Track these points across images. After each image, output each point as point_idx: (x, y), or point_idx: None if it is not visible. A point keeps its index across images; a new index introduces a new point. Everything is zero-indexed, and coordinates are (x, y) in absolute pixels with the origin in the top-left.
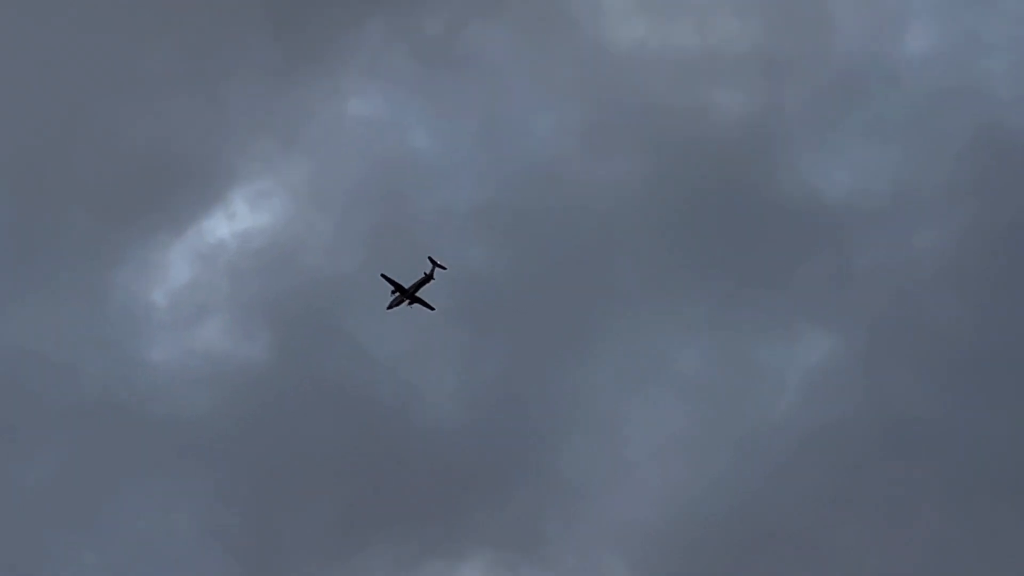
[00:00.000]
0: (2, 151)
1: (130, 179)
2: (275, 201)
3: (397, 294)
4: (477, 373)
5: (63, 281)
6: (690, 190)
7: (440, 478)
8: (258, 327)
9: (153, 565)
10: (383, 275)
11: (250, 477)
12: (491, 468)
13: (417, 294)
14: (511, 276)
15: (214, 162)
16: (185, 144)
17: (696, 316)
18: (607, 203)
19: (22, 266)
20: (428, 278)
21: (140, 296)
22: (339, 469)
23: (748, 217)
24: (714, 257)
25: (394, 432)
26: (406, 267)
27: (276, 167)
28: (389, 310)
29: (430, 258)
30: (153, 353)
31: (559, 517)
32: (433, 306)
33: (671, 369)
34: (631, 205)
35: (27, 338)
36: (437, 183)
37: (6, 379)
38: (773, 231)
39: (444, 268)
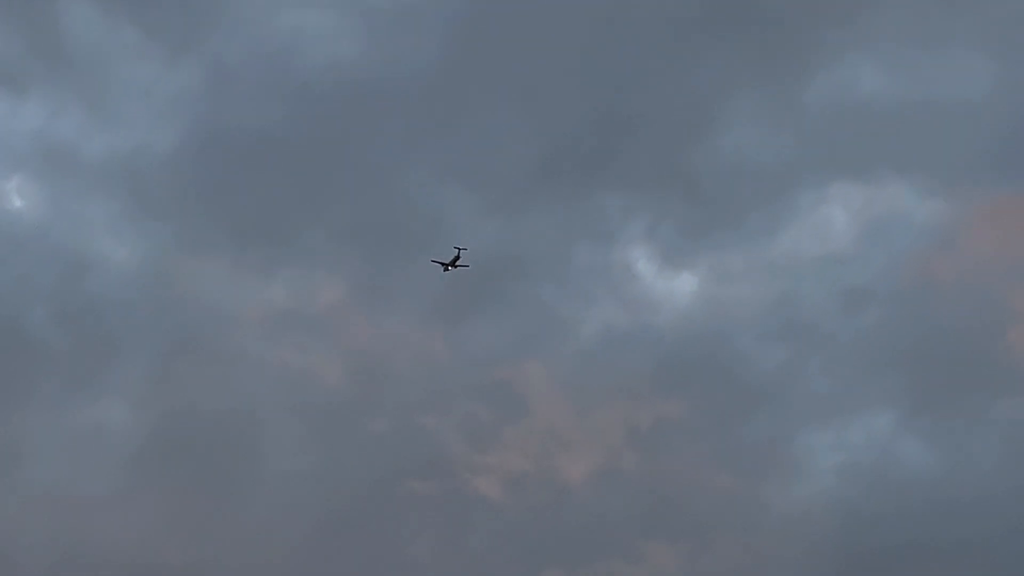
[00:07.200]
0: None
1: None
2: None
3: (443, 266)
4: None
5: None
6: None
7: None
8: None
9: None
10: (432, 260)
11: None
12: None
13: (456, 264)
14: None
15: None
16: None
17: None
18: None
19: None
20: (458, 256)
21: None
22: None
23: None
24: None
25: None
26: None
27: None
28: (444, 272)
29: (455, 247)
30: None
31: None
32: (468, 264)
33: None
34: None
35: None
36: None
37: None
38: None
39: (465, 249)
